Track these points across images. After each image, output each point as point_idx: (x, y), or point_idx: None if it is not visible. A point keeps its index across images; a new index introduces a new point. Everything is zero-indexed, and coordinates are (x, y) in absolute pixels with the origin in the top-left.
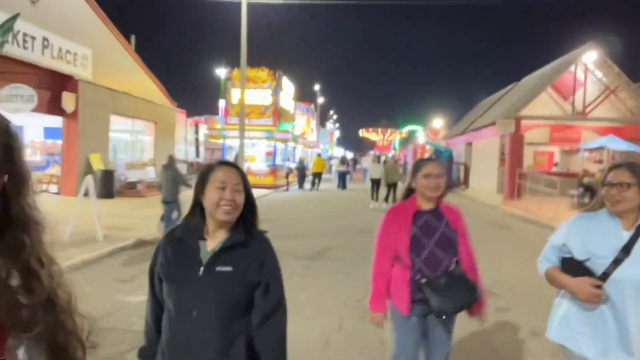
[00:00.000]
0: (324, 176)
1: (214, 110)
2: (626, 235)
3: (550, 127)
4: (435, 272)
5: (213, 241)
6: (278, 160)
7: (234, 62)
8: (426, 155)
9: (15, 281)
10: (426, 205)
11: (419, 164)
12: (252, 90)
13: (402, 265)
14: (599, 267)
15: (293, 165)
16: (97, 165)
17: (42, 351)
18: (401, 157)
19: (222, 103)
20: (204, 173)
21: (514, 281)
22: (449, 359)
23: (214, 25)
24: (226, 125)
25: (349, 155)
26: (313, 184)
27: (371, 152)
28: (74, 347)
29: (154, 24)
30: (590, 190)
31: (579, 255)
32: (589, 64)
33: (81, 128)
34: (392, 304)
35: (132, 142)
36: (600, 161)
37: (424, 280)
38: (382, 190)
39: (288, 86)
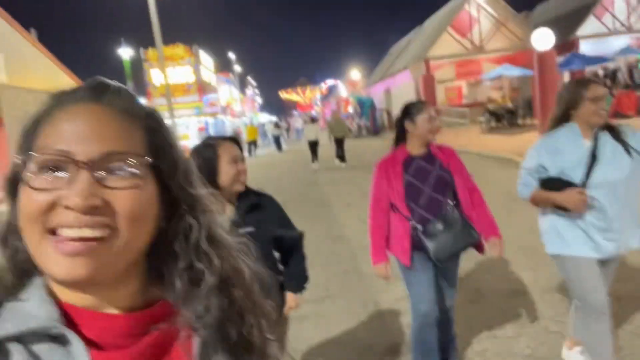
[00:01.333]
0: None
1: None
2: (588, 144)
3: (455, 64)
4: (437, 216)
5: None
6: (212, 134)
7: (146, 41)
8: (350, 108)
9: (190, 265)
10: (417, 151)
11: (418, 107)
12: (171, 68)
13: (400, 216)
14: (575, 178)
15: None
16: None
17: (218, 337)
18: (326, 113)
19: (130, 85)
20: (214, 151)
21: None
22: (454, 303)
23: (121, 5)
24: None
25: (274, 119)
26: (249, 151)
27: (295, 112)
28: (251, 328)
29: (56, 13)
30: (494, 115)
31: (553, 172)
32: (480, 1)
33: (9, 135)
34: (395, 257)
35: None
36: (500, 88)
37: (420, 228)
38: (328, 149)
39: (207, 60)
